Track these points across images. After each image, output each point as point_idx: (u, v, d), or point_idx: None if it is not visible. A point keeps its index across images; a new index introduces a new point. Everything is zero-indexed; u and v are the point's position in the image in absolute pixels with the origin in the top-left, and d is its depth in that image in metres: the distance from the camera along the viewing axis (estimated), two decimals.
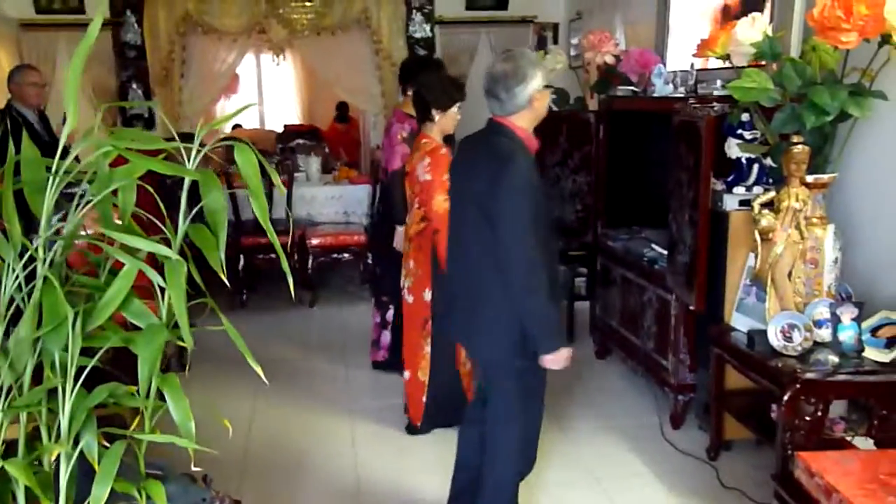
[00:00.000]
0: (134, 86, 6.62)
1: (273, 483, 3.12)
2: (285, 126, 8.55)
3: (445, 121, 3.34)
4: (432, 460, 3.24)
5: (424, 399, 3.44)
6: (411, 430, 3.53)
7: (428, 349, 3.41)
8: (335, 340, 4.80)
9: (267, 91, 9.58)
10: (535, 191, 2.33)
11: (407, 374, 3.50)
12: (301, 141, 6.96)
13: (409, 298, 3.44)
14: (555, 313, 2.42)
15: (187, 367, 1.81)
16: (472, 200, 2.40)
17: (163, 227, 1.39)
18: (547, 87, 2.43)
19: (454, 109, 3.33)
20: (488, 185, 2.30)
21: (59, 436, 1.40)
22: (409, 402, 3.52)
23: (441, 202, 3.15)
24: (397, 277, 3.55)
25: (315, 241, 5.57)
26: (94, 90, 6.40)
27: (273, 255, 5.48)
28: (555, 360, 2.36)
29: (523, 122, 2.40)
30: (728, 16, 3.70)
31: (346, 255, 5.67)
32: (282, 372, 4.16)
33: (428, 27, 6.87)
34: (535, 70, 2.35)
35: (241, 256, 5.43)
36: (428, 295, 3.35)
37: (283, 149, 6.89)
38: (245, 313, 5.36)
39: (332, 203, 6.01)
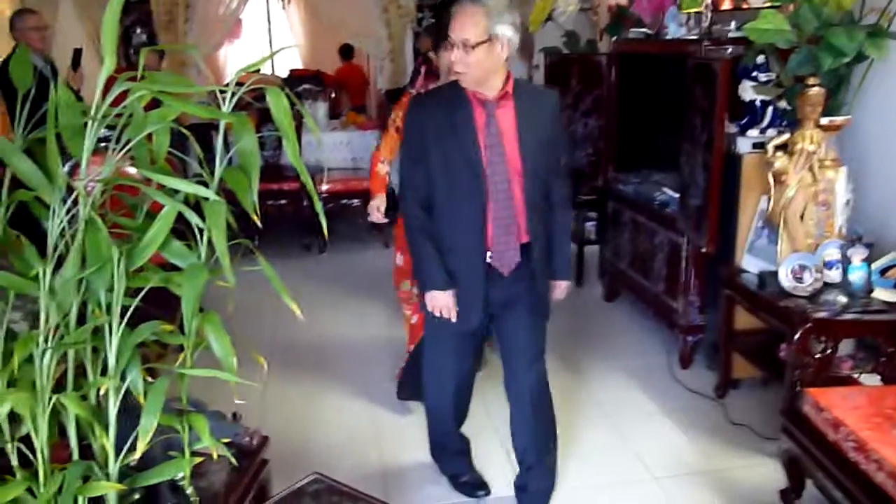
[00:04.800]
0: (138, 30, 6.56)
1: (292, 422, 3.21)
2: (291, 71, 8.44)
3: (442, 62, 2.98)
4: None
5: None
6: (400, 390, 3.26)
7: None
8: (347, 285, 4.87)
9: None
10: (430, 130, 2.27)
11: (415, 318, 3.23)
12: (307, 86, 6.90)
13: None
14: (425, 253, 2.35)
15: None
16: None
17: (201, 170, 1.43)
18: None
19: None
20: None
21: (104, 372, 1.47)
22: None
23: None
24: None
25: (324, 188, 5.59)
26: (96, 35, 6.34)
27: (283, 202, 5.52)
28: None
29: None
30: None
31: (355, 201, 5.70)
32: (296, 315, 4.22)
33: None
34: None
35: None
36: (399, 259, 3.24)
37: (288, 94, 6.84)
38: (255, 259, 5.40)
39: (340, 149, 6.03)
